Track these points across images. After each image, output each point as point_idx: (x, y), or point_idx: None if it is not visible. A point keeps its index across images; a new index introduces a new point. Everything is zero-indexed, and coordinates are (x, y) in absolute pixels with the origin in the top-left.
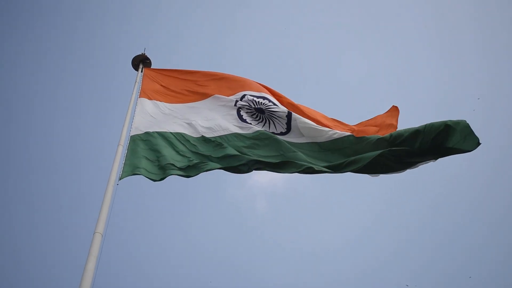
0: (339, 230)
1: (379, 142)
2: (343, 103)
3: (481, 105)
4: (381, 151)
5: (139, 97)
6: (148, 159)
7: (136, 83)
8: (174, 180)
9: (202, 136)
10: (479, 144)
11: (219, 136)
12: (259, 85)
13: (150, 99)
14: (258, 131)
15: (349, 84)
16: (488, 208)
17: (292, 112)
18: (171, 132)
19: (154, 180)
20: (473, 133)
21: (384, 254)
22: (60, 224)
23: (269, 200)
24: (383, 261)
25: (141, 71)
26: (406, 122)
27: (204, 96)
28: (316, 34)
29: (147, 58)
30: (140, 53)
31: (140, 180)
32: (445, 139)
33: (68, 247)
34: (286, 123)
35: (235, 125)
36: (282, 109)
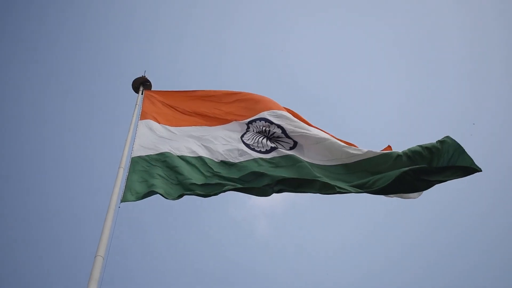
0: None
1: (399, 159)
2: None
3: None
4: (406, 168)
5: (140, 119)
6: (159, 178)
7: (137, 105)
8: (175, 202)
9: (222, 161)
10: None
11: (240, 162)
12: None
13: (153, 120)
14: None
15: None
16: (497, 215)
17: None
18: (178, 155)
19: (169, 199)
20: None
21: (386, 273)
22: (61, 247)
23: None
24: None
25: (142, 94)
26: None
27: (217, 121)
28: (315, 51)
29: (147, 81)
30: (140, 75)
31: (141, 202)
32: (461, 158)
33: (69, 271)
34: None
35: (252, 150)
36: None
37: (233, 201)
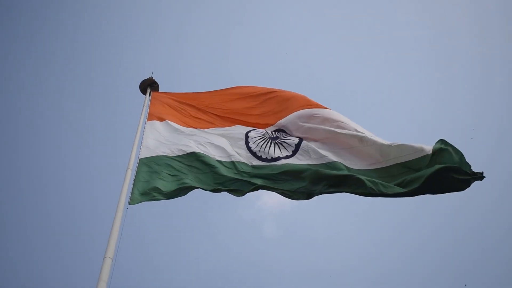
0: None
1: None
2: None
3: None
4: (441, 165)
5: (148, 120)
6: (167, 177)
7: (144, 106)
8: (182, 203)
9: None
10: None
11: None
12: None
13: (160, 120)
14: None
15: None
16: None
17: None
18: (192, 152)
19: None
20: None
21: (399, 271)
22: (69, 249)
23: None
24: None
25: (149, 95)
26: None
27: (227, 121)
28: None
29: (155, 82)
30: (147, 77)
31: (148, 205)
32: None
33: (77, 272)
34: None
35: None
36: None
37: (241, 201)
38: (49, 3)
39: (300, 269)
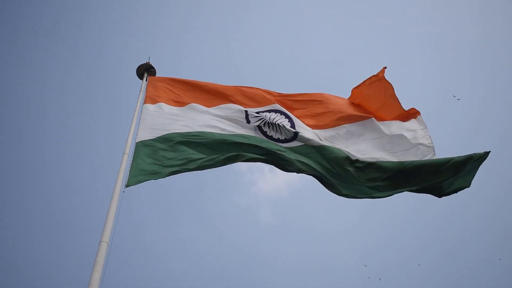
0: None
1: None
2: None
3: None
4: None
5: (144, 103)
6: (164, 160)
7: (141, 91)
8: (178, 188)
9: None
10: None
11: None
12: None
13: (155, 103)
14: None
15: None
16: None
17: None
18: (185, 132)
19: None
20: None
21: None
22: (65, 233)
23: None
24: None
25: (146, 80)
26: None
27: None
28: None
29: (152, 67)
30: (144, 62)
31: (145, 188)
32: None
33: (73, 256)
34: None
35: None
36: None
37: (236, 187)
38: None
39: (296, 261)
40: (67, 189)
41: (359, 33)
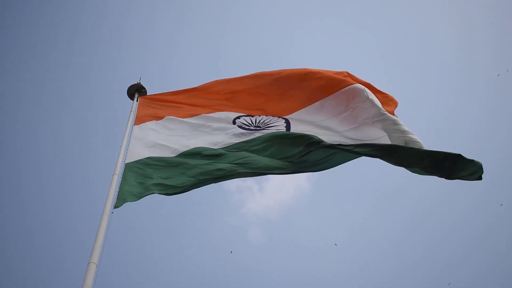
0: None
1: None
2: None
3: None
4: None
5: (135, 124)
6: (154, 179)
7: (132, 112)
8: (167, 207)
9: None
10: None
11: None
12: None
13: (146, 122)
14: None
15: None
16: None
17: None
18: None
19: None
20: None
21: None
22: (54, 255)
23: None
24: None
25: (137, 100)
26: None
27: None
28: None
29: (143, 87)
30: (135, 82)
31: (135, 209)
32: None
33: (63, 278)
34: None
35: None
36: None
37: (227, 207)
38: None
39: (289, 276)
40: (58, 207)
41: (357, 33)
